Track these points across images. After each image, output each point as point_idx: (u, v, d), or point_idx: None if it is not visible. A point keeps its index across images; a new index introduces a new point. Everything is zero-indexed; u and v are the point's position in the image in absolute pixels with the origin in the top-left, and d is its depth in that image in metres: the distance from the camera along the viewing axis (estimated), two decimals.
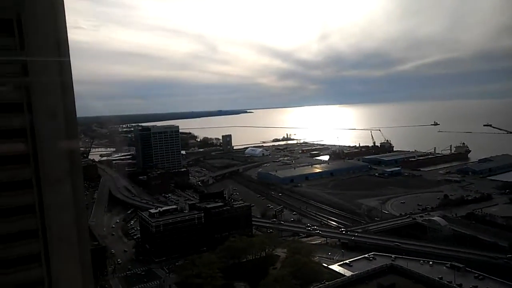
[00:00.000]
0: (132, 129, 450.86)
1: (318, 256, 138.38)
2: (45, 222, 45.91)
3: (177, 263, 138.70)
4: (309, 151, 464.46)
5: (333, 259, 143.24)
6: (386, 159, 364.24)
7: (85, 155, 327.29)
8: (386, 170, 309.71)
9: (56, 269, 46.78)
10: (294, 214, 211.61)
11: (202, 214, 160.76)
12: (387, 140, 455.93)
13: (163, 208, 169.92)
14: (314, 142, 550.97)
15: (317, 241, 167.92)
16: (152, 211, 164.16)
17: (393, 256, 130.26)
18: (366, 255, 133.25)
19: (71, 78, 47.15)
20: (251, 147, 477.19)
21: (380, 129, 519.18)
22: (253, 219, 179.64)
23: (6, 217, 44.38)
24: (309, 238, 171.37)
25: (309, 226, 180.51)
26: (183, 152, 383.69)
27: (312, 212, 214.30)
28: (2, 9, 42.58)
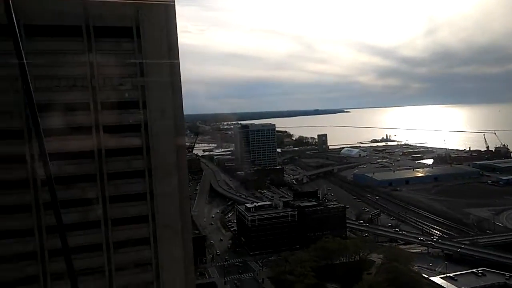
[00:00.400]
0: (232, 126, 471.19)
1: (418, 266, 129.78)
2: (154, 210, 51.02)
3: (270, 258, 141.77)
4: (411, 153, 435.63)
5: (434, 270, 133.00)
6: (502, 165, 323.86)
7: (189, 149, 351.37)
8: (502, 178, 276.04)
9: (162, 252, 51.56)
10: (392, 219, 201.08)
11: (296, 212, 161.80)
12: (504, 145, 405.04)
13: (259, 204, 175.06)
14: (417, 144, 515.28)
15: (417, 250, 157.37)
16: (248, 205, 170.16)
17: (507, 274, 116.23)
18: (474, 270, 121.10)
19: (180, 78, 51.39)
20: (347, 147, 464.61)
21: (496, 132, 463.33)
22: (347, 221, 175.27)
23: (124, 202, 50.24)
24: (408, 246, 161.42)
25: (408, 233, 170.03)
26: (278, 150, 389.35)
27: (412, 219, 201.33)
28: (124, 18, 48.13)
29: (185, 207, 55.64)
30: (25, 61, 4.89)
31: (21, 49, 4.63)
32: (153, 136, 50.01)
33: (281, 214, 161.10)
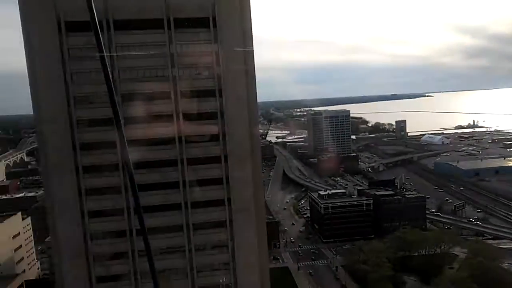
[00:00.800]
0: (305, 113, 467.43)
1: (508, 263, 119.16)
2: (230, 194, 52.87)
3: (343, 247, 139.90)
4: (503, 141, 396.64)
5: None
6: None
7: (263, 136, 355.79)
8: None
9: (237, 235, 53.43)
10: (479, 212, 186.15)
11: (371, 201, 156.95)
12: None
13: (332, 191, 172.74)
14: (510, 131, 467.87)
15: (507, 246, 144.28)
16: (322, 192, 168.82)
17: None
18: None
19: (254, 66, 52.03)
20: (428, 134, 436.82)
21: None
22: (427, 212, 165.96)
23: (201, 186, 52.66)
24: (496, 241, 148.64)
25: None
26: (353, 137, 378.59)
27: (501, 212, 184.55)
28: (202, 9, 49.71)
29: (259, 192, 57.00)
30: (105, 54, 5.22)
31: (101, 42, 4.98)
32: (229, 123, 51.63)
33: (355, 202, 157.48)
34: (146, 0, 49.63)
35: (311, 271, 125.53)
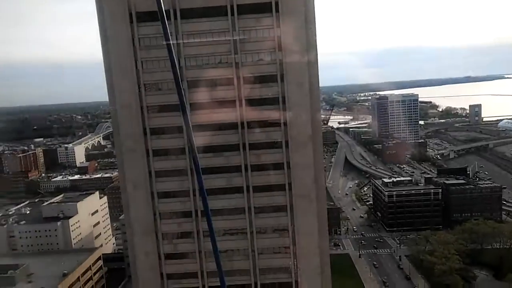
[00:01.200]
0: (370, 97, 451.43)
1: None
2: (290, 179, 53.20)
3: (408, 236, 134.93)
4: None
5: None
6: None
7: (324, 122, 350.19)
8: None
9: (298, 219, 53.84)
10: None
11: (440, 190, 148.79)
12: None
13: (397, 179, 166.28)
14: None
15: None
16: (386, 180, 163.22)
17: None
18: None
19: (316, 51, 51.24)
20: (507, 119, 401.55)
21: None
22: (503, 203, 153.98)
23: (263, 171, 53.53)
24: None
25: None
26: (421, 122, 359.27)
27: None
28: None
29: (320, 178, 56.68)
30: (172, 42, 5.57)
31: (167, 31, 5.31)
32: (290, 109, 51.61)
33: (422, 191, 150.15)
34: None
35: (373, 259, 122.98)
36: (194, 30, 50.60)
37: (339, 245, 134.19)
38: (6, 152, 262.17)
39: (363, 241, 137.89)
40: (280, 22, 49.36)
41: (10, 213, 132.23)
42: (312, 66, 50.66)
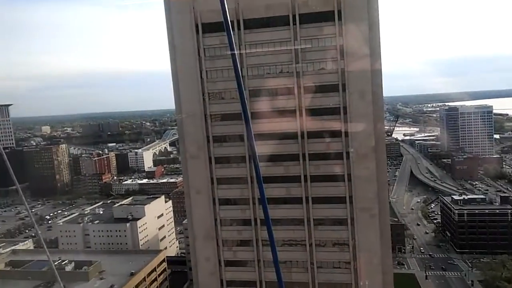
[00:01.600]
0: (438, 108, 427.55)
1: None
2: (351, 192, 51.69)
3: (482, 260, 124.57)
4: None
5: None
6: None
7: (388, 133, 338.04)
8: None
9: (359, 234, 52.02)
10: None
11: None
12: None
13: (469, 196, 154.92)
14: None
15: None
16: (456, 197, 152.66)
17: None
18: None
19: (380, 59, 49.70)
20: None
21: None
22: None
23: (322, 182, 52.64)
24: None
25: None
26: (496, 136, 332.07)
27: None
28: (327, 3, 49.30)
29: (383, 192, 54.40)
30: (236, 52, 5.66)
31: (232, 41, 5.40)
32: (352, 119, 50.38)
33: (497, 211, 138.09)
34: None
35: (441, 282, 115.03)
36: (256, 40, 51.54)
37: (404, 264, 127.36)
38: (83, 155, 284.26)
39: (430, 262, 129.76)
40: (343, 30, 48.64)
41: (86, 212, 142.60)
42: (375, 75, 49.17)
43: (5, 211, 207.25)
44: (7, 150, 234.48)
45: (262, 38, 51.44)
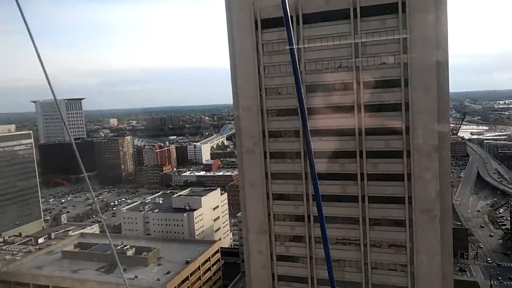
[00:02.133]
0: (511, 106, 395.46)
1: None
2: (411, 192, 49.47)
3: None
4: None
5: None
6: None
7: (454, 131, 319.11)
8: None
9: (418, 236, 49.72)
10: None
11: None
12: None
13: None
14: None
15: None
16: None
17: None
18: None
19: (447, 53, 46.82)
20: None
21: None
22: None
23: (380, 181, 50.96)
24: None
25: None
26: None
27: None
28: None
29: (446, 193, 51.44)
30: (294, 47, 5.54)
31: (292, 36, 5.31)
32: (414, 116, 48.04)
33: None
34: None
35: None
36: (315, 34, 50.77)
37: (466, 271, 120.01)
38: (146, 147, 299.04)
39: (496, 270, 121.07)
40: (407, 22, 46.43)
41: (147, 201, 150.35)
42: (441, 70, 46.41)
43: (75, 197, 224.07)
44: (79, 141, 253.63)
45: (321, 32, 50.57)
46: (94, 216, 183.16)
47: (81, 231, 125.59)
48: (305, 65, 51.28)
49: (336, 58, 50.94)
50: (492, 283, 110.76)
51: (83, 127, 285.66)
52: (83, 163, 9.23)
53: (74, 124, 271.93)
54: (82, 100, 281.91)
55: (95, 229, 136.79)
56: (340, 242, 53.92)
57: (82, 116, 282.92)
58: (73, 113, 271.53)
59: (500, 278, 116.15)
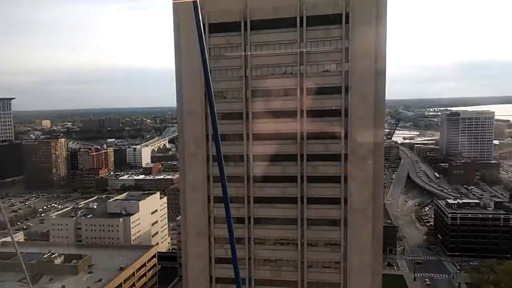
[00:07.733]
0: (440, 113, 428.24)
1: None
2: (347, 193, 52.19)
3: (471, 263, 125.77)
4: None
5: None
6: None
7: (388, 136, 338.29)
8: None
9: (351, 235, 52.58)
10: None
11: (511, 216, 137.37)
12: None
13: (463, 201, 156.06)
14: None
15: None
16: (450, 201, 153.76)
17: None
18: None
19: (385, 63, 50.05)
20: None
21: None
22: None
23: (319, 182, 53.17)
24: None
25: None
26: (495, 142, 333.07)
27: None
28: (336, 5, 49.73)
29: (378, 194, 54.88)
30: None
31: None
32: (352, 121, 50.74)
33: (490, 215, 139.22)
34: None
35: (429, 283, 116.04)
36: (262, 41, 51.67)
37: (393, 266, 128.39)
38: (82, 150, 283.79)
39: (419, 264, 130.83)
40: (350, 33, 49.00)
41: (80, 206, 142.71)
42: (379, 79, 49.58)
43: None
44: (5, 143, 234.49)
45: (268, 39, 51.54)
46: (19, 223, 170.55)
47: (3, 239, 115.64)
48: (251, 70, 52.02)
49: (282, 65, 52.33)
50: (416, 275, 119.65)
51: (11, 129, 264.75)
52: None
53: (1, 125, 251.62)
54: (12, 100, 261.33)
55: (19, 237, 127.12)
56: (278, 243, 55.39)
57: (10, 117, 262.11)
58: (0, 113, 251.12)
59: (422, 270, 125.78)
